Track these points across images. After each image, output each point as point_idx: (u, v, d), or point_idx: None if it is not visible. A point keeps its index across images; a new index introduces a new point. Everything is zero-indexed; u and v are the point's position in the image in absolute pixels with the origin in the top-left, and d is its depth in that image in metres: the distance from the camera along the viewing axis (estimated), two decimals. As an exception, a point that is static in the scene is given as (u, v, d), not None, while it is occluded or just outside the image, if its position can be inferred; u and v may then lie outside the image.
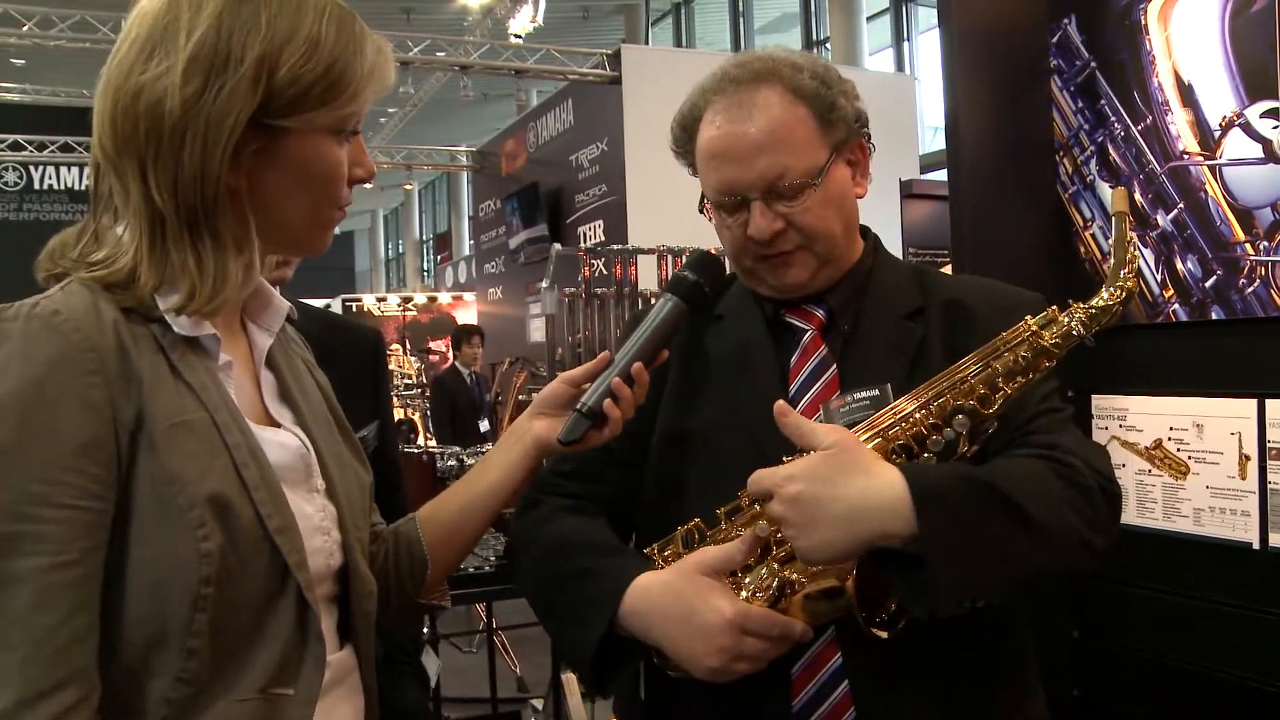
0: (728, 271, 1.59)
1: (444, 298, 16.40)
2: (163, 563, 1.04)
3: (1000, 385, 1.28)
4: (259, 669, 1.09)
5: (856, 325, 1.50)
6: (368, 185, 1.31)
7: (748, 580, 1.33)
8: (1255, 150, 2.06)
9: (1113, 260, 1.31)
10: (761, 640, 1.27)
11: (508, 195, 11.92)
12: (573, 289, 5.08)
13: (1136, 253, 1.31)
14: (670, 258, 5.14)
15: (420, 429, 10.72)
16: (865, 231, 1.59)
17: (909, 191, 6.08)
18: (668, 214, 6.70)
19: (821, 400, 1.44)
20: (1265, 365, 2.07)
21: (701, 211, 1.56)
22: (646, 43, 16.93)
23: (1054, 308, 1.31)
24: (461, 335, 8.89)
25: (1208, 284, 2.16)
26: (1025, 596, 1.46)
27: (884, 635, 1.28)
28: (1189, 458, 2.21)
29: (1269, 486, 2.07)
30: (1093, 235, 2.38)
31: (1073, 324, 1.29)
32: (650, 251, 5.12)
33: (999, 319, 1.39)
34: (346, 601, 1.26)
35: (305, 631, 1.14)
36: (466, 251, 20.11)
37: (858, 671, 1.36)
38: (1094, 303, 1.29)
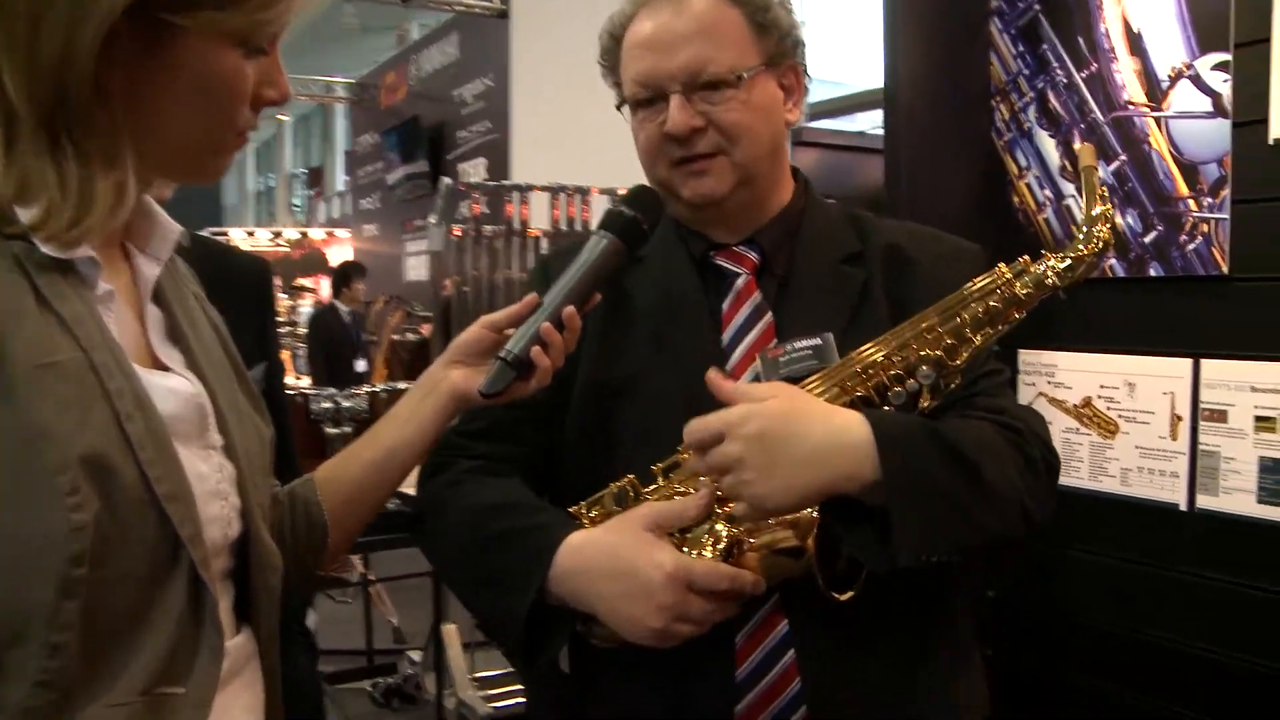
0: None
1: (316, 234, 15.88)
2: (21, 540, 0.83)
3: (968, 336, 1.21)
4: (142, 666, 0.90)
5: (792, 269, 1.41)
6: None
7: (689, 539, 1.23)
8: (1204, 103, 1.99)
9: (1084, 213, 1.24)
10: (707, 599, 1.17)
11: (387, 129, 11.51)
12: (461, 225, 4.84)
13: (1110, 206, 1.23)
14: (565, 196, 4.92)
15: (290, 369, 10.40)
16: (796, 173, 1.50)
17: (800, 139, 5.99)
18: (554, 154, 6.48)
19: (757, 349, 1.34)
20: (1203, 325, 2.02)
21: (619, 109, 1.45)
22: (535, -22, 16.48)
23: (1025, 257, 1.24)
24: (352, 273, 8.58)
25: (1147, 239, 2.10)
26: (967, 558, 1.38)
27: (844, 598, 1.20)
28: (1119, 417, 2.15)
29: (1200, 448, 2.03)
30: (1028, 185, 2.30)
31: (1047, 273, 1.21)
32: (545, 189, 4.89)
33: (941, 267, 1.35)
34: (244, 576, 1.08)
35: (199, 618, 0.96)
36: (340, 187, 19.52)
37: (804, 640, 1.27)
38: (1069, 253, 1.22)
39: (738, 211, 1.41)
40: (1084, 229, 1.22)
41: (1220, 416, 1.99)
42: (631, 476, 1.28)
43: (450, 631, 4.40)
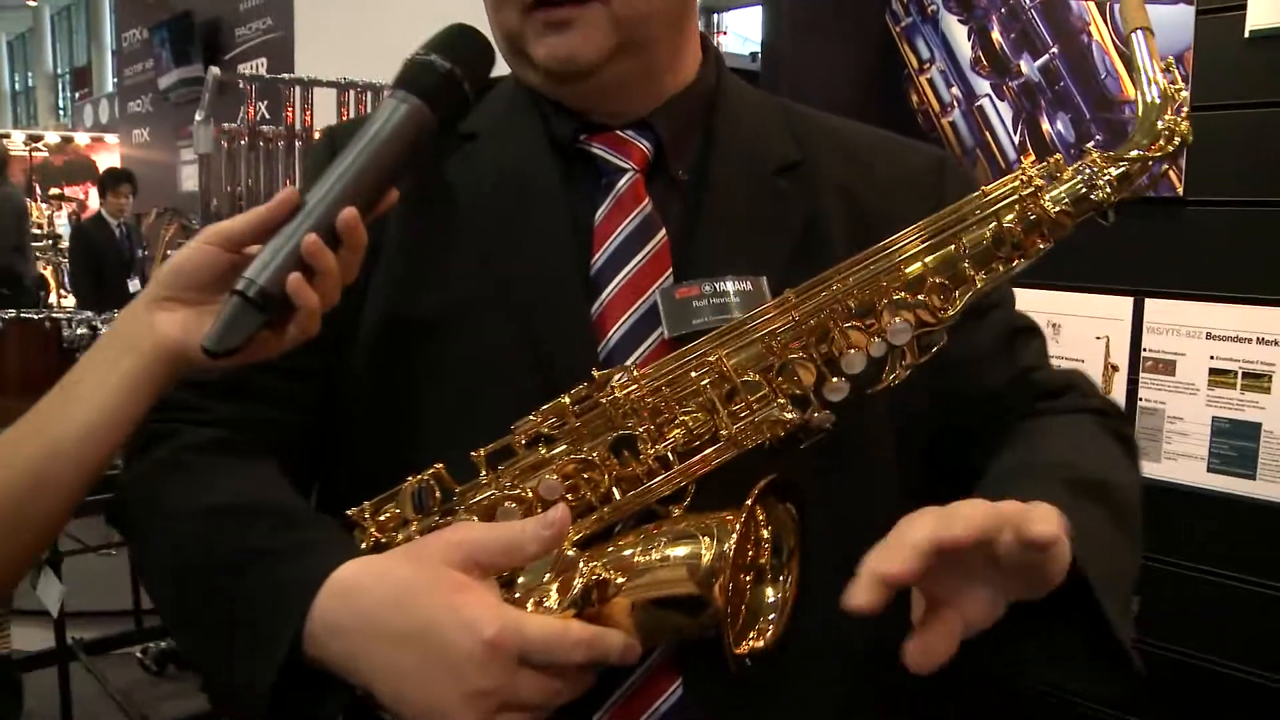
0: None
1: (82, 139, 14.70)
2: None
3: (966, 273, 0.86)
4: None
5: (704, 172, 1.00)
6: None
7: (525, 578, 0.84)
8: (1161, -17, 1.65)
9: (1140, 96, 0.88)
10: (548, 676, 0.79)
11: (156, 25, 10.51)
12: (233, 125, 4.20)
13: (1180, 82, 0.89)
14: (354, 93, 4.32)
15: (54, 286, 9.56)
16: (705, 43, 1.07)
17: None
18: (343, 52, 5.84)
19: (644, 283, 0.95)
20: (1149, 256, 1.73)
21: None
22: None
23: (1057, 157, 0.88)
24: (108, 181, 7.78)
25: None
26: None
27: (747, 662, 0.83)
28: (1040, 366, 1.83)
29: (1140, 405, 1.73)
30: (930, 81, 1.91)
31: (1094, 181, 0.86)
32: (330, 85, 4.27)
33: (906, 190, 1.00)
34: None
35: None
36: (110, 89, 18.11)
37: (707, 709, 0.89)
38: (1124, 152, 0.86)
39: (619, 88, 0.99)
40: (1143, 119, 0.86)
41: (1167, 368, 1.71)
42: (439, 466, 0.87)
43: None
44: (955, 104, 1.88)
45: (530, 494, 0.86)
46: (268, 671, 0.82)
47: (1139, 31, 0.89)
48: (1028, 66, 1.79)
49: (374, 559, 0.84)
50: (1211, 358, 1.65)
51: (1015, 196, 0.86)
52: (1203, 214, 1.66)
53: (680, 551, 0.82)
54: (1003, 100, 1.82)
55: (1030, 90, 1.79)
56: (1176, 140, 0.86)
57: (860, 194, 1.01)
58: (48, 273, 9.80)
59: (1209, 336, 1.65)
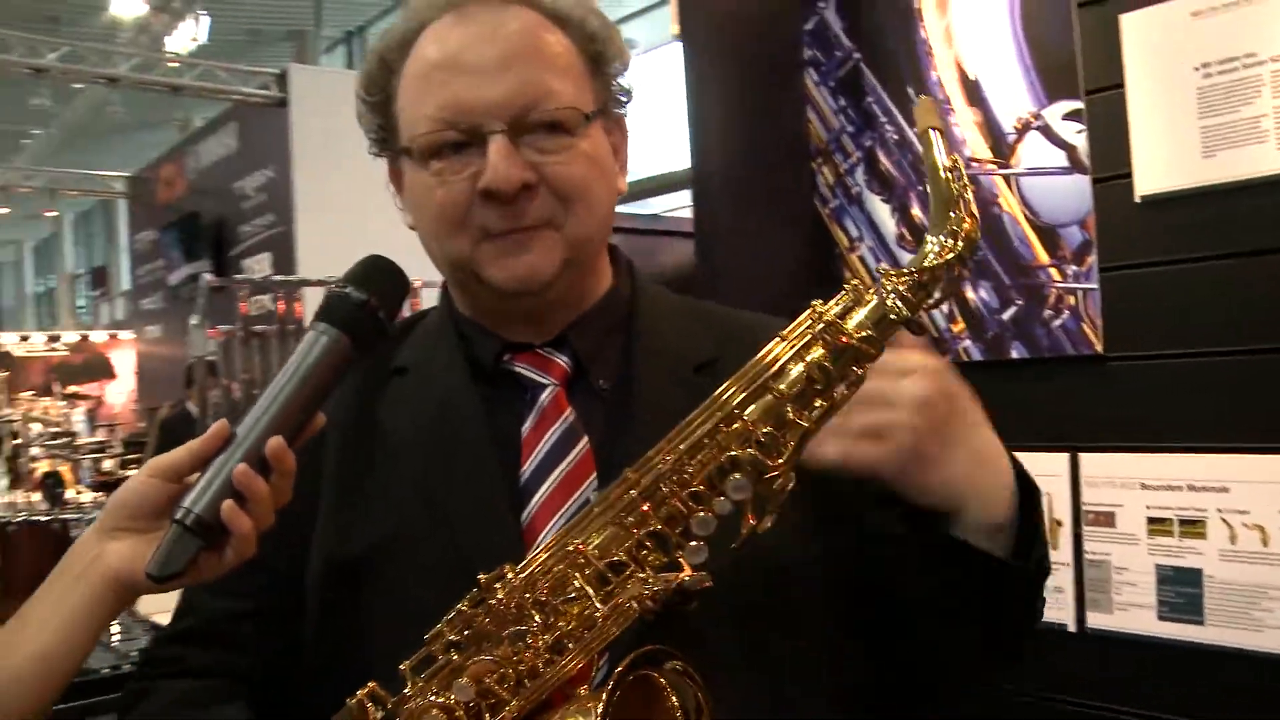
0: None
1: (98, 336, 15.00)
2: None
3: (790, 418, 0.86)
4: None
5: (628, 379, 1.06)
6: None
7: None
8: (1058, 158, 1.75)
9: (931, 199, 0.89)
10: None
11: (166, 225, 10.85)
12: (230, 326, 4.33)
13: (967, 183, 0.89)
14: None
15: (70, 481, 9.50)
16: (614, 252, 1.15)
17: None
18: (341, 246, 6.01)
19: (570, 489, 0.99)
20: (1078, 412, 1.75)
21: (395, 164, 1.09)
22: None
23: (855, 283, 0.90)
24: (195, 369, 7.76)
25: (1005, 316, 1.82)
26: None
27: None
28: (987, 524, 1.85)
29: (1085, 557, 1.73)
30: (861, 257, 1.99)
31: (886, 301, 0.87)
32: (318, 283, 4.42)
33: None
34: None
35: None
36: (126, 286, 18.54)
37: None
38: (913, 265, 0.87)
39: (558, 300, 1.06)
40: (937, 220, 0.88)
41: (1107, 520, 1.72)
42: (372, 685, 0.91)
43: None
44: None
45: (449, 698, 0.89)
46: None
47: (931, 132, 0.89)
48: (948, 240, 1.87)
49: None
50: (1148, 507, 1.67)
51: (815, 332, 0.87)
52: (1123, 368, 1.70)
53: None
54: (928, 273, 1.89)
55: (953, 262, 1.87)
56: (962, 243, 0.86)
57: None
58: (65, 470, 9.76)
59: (1143, 486, 1.67)
